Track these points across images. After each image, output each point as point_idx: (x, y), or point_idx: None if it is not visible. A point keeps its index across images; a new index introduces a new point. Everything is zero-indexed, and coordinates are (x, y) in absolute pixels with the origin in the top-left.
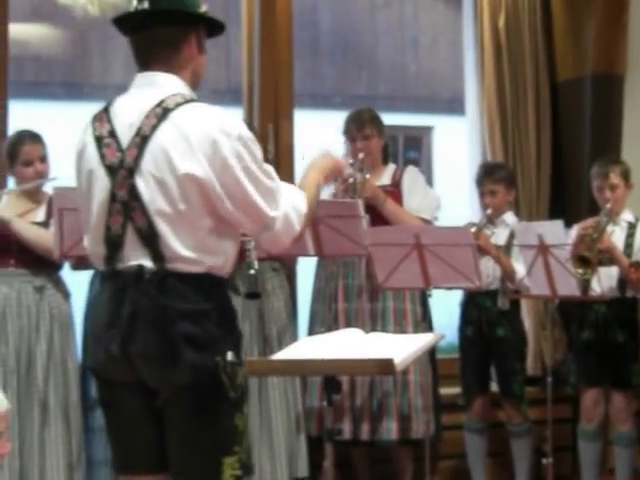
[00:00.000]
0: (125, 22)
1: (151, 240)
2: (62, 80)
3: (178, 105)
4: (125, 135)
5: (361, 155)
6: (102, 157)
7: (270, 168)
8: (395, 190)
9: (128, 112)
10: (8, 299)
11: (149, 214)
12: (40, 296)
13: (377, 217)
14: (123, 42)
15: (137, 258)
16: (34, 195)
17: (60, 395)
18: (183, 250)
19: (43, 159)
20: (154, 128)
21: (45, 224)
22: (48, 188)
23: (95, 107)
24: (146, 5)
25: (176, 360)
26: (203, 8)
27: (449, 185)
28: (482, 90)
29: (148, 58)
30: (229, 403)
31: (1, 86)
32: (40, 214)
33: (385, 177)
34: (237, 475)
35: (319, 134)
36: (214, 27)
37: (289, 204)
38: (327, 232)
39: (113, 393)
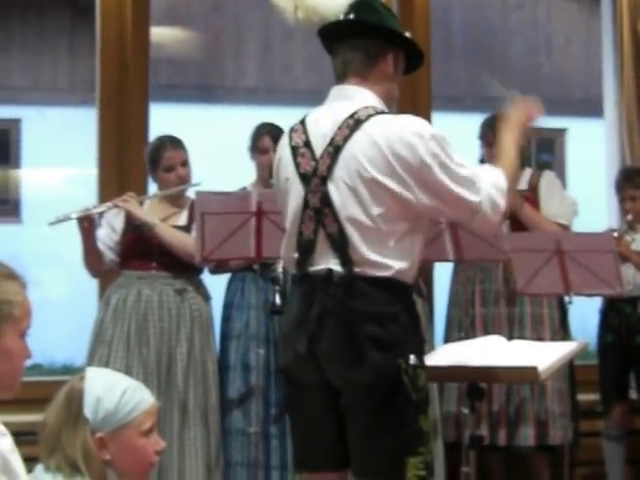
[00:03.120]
0: (330, 33)
1: (341, 245)
2: (196, 83)
3: (370, 116)
4: (319, 145)
5: None
6: (297, 166)
7: (462, 158)
8: (532, 195)
9: (322, 123)
10: (150, 301)
11: (340, 220)
12: (181, 299)
13: (514, 222)
14: (256, 45)
15: (327, 262)
16: (176, 200)
17: (200, 397)
18: (371, 254)
19: (185, 164)
20: (347, 138)
21: (187, 228)
22: (190, 193)
23: (229, 110)
24: (352, 16)
25: (360, 360)
26: (406, 34)
27: (583, 188)
28: (621, 93)
29: (346, 69)
30: (412, 405)
31: (142, 89)
32: (182, 218)
33: (522, 182)
34: (421, 475)
35: (452, 137)
36: (414, 58)
37: (489, 184)
38: (467, 237)
39: (298, 393)
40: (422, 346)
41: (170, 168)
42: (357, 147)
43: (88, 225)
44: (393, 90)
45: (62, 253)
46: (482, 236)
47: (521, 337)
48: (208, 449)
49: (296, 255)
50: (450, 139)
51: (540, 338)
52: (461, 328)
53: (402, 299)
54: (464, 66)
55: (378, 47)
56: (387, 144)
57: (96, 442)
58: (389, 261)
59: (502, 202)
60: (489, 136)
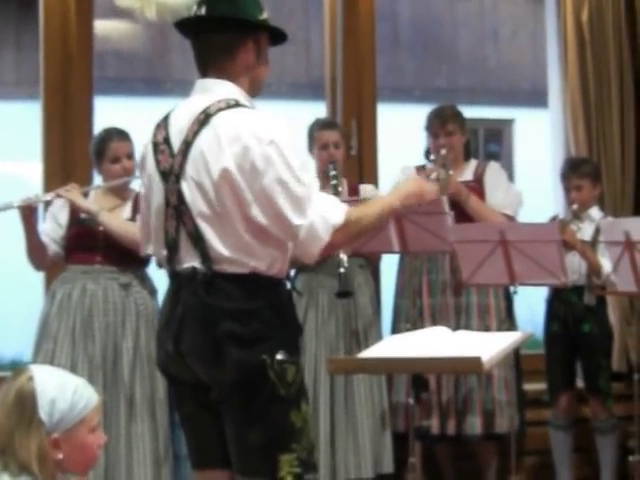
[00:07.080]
0: (185, 27)
1: (198, 242)
2: (144, 76)
3: (219, 110)
4: (176, 141)
5: (443, 151)
6: (157, 163)
7: (307, 177)
8: (477, 186)
9: (180, 119)
10: (94, 296)
11: (193, 217)
12: (126, 293)
13: (460, 213)
14: None
15: (191, 260)
16: (121, 192)
17: (146, 391)
18: (225, 251)
19: (130, 156)
20: (195, 134)
21: (131, 221)
22: (135, 185)
23: (176, 103)
24: (203, 11)
25: (221, 358)
26: (264, 15)
27: (530, 178)
28: (565, 84)
29: (205, 64)
30: (281, 401)
31: (86, 82)
32: (126, 211)
33: (467, 173)
34: (296, 472)
35: (399, 128)
36: (277, 36)
37: (317, 213)
38: (412, 228)
39: (176, 390)
40: (295, 340)
41: (116, 159)
42: (204, 143)
43: (30, 214)
44: (259, 76)
45: (7, 246)
46: (427, 227)
47: (468, 327)
48: (156, 443)
49: (165, 253)
50: (397, 130)
51: (487, 327)
52: (408, 319)
53: (264, 295)
54: (411, 58)
55: (234, 40)
56: (228, 142)
57: (51, 443)
58: (243, 258)
59: (326, 236)
60: (435, 127)
